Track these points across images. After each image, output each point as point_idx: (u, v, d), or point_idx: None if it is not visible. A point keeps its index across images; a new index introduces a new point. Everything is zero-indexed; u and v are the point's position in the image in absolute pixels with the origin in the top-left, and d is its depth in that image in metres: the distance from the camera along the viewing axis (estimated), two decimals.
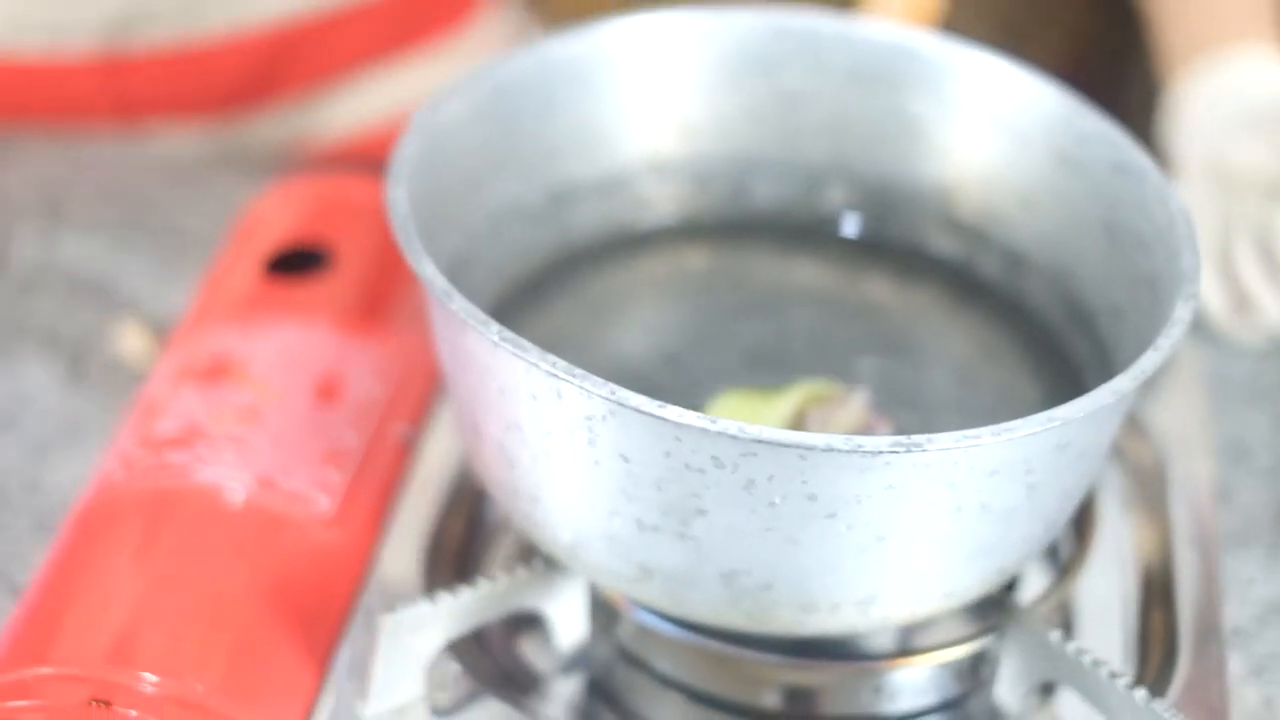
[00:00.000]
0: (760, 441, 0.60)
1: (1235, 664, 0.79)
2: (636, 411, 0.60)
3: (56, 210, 1.05)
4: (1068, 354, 0.75)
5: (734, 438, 0.59)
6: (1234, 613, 0.81)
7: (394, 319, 0.83)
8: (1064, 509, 0.68)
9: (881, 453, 0.60)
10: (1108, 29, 1.12)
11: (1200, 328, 0.95)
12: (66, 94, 1.13)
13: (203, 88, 1.14)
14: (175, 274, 1.00)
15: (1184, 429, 0.85)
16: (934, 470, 0.61)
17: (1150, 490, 0.82)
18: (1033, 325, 0.77)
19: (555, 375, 0.61)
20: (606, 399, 0.60)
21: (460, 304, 0.63)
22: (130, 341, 0.95)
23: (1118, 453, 0.83)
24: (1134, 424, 0.84)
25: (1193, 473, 0.83)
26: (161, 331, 0.95)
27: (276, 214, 0.88)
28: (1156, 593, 0.77)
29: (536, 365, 0.61)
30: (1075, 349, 0.75)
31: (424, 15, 1.18)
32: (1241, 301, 0.94)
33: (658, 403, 0.60)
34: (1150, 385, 0.85)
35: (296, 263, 0.85)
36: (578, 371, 0.60)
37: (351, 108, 1.16)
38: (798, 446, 0.60)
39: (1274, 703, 0.77)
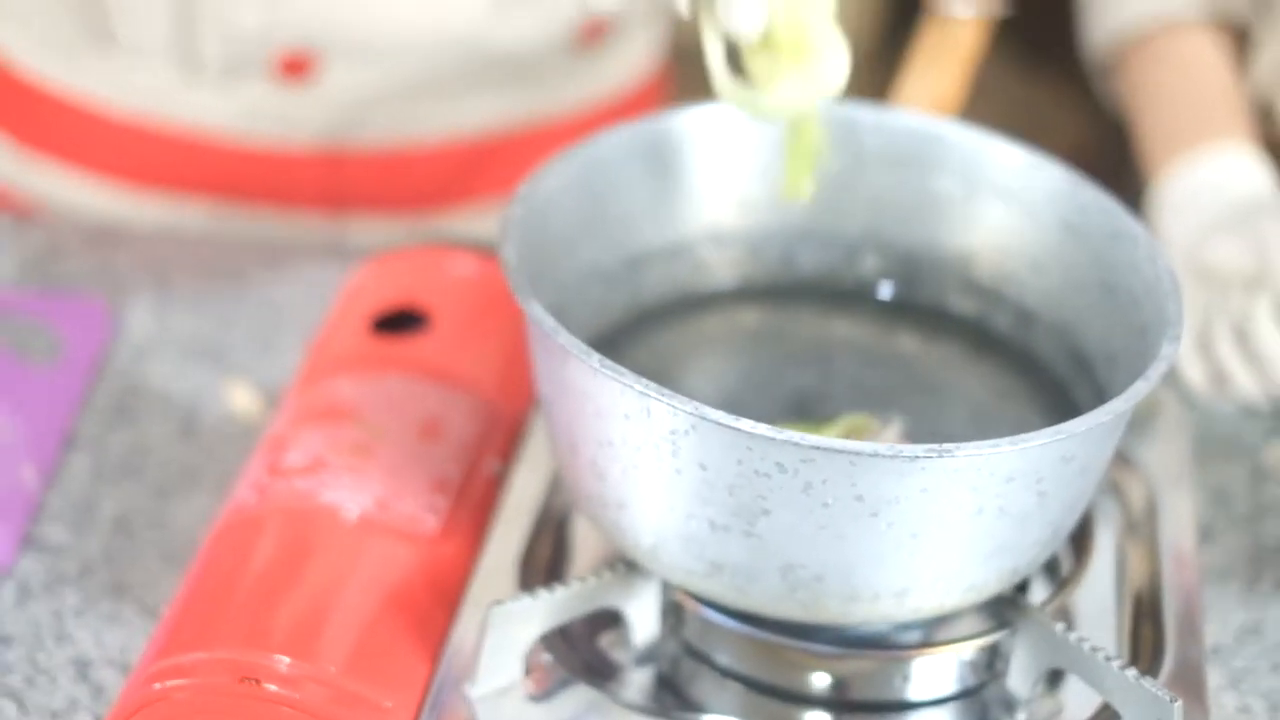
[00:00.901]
0: (817, 449, 0.72)
1: (1215, 676, 0.91)
2: (716, 424, 0.72)
3: (166, 285, 1.17)
4: (1072, 396, 0.87)
5: (796, 445, 0.72)
6: (1214, 632, 0.93)
7: (484, 371, 0.95)
8: (1068, 518, 0.80)
9: (918, 457, 0.72)
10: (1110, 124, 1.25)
11: (1186, 395, 1.07)
12: (285, 183, 1.27)
13: (406, 187, 1.28)
14: (273, 342, 1.12)
15: (1171, 472, 0.97)
16: (960, 475, 0.73)
17: (1142, 523, 0.94)
18: (1041, 372, 0.89)
19: (648, 395, 0.73)
20: (691, 414, 0.72)
21: (565, 337, 0.75)
22: (238, 400, 1.07)
23: (1114, 488, 0.95)
24: (1129, 464, 0.96)
25: (1178, 511, 0.95)
26: (264, 391, 1.08)
27: (378, 281, 1.00)
28: (1146, 610, 0.89)
29: (631, 387, 0.73)
30: (1078, 391, 0.87)
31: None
32: (1220, 377, 1.07)
33: (733, 416, 0.72)
34: (1144, 432, 0.98)
35: (398, 323, 0.98)
36: (666, 391, 0.73)
37: None
38: (848, 452, 0.72)
39: (1250, 710, 0.89)
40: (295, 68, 1.23)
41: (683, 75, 1.34)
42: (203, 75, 1.23)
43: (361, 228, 1.30)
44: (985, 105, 1.05)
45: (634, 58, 1.34)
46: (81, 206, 1.30)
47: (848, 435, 0.83)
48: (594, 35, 1.27)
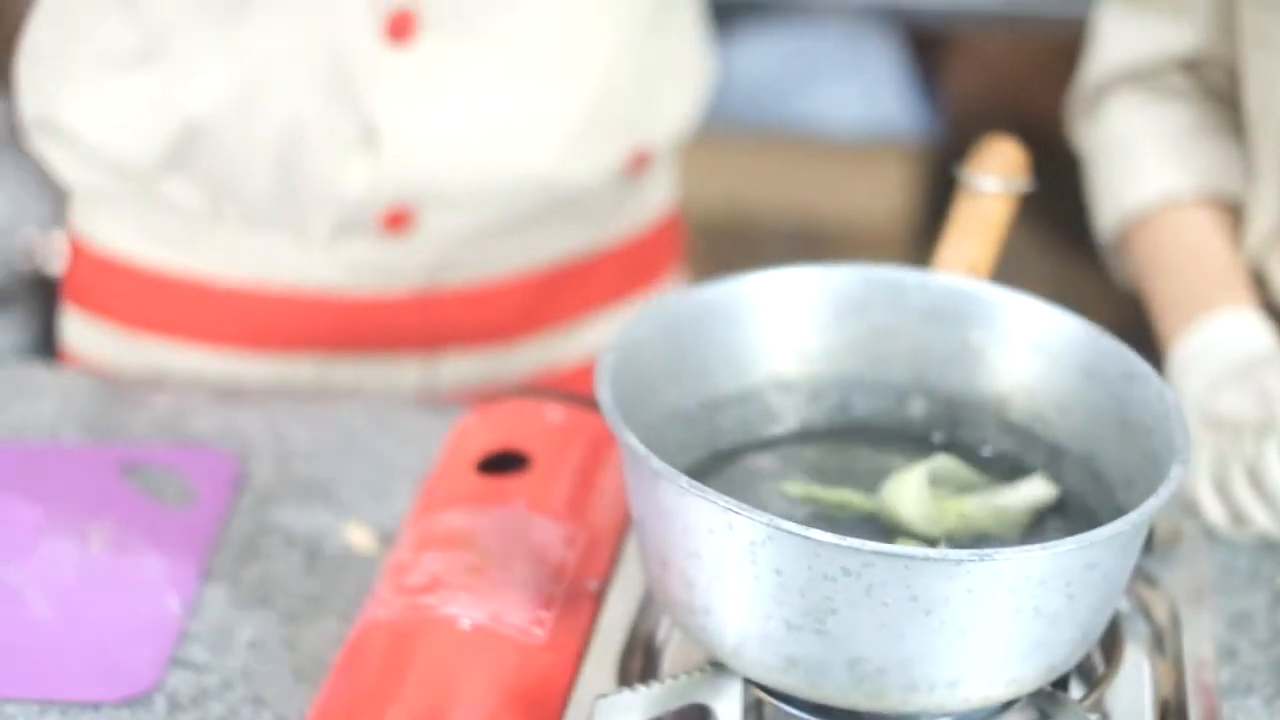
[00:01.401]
0: (877, 554, 0.85)
1: None
2: (788, 534, 0.85)
3: (285, 438, 1.31)
4: (1095, 517, 1.00)
5: (858, 550, 0.84)
6: None
7: (580, 503, 1.08)
8: (1096, 620, 0.93)
9: (964, 561, 0.85)
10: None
11: (1209, 529, 1.20)
12: (384, 329, 1.40)
13: (490, 320, 1.42)
14: (382, 487, 1.26)
15: (1193, 593, 1.09)
16: (1000, 577, 0.86)
17: (1167, 637, 1.06)
18: (1069, 496, 1.02)
19: (729, 510, 0.86)
20: (766, 525, 0.85)
21: (656, 463, 0.88)
22: (354, 537, 1.20)
23: (1142, 606, 1.07)
24: (1155, 585, 1.08)
25: (1200, 627, 1.07)
26: (377, 529, 1.21)
27: (481, 429, 1.14)
28: (1173, 714, 1.01)
29: (715, 503, 0.86)
30: (1101, 513, 1.00)
31: (639, 267, 1.48)
32: (1238, 516, 1.19)
33: (802, 526, 0.85)
34: (1169, 558, 1.10)
35: (501, 464, 1.11)
36: (746, 506, 0.86)
37: (590, 340, 1.46)
38: (904, 556, 0.85)
39: None
40: (396, 222, 1.36)
41: None
42: (311, 241, 1.37)
43: (452, 364, 1.44)
44: (1017, 270, 1.19)
45: (665, 186, 1.52)
46: (190, 375, 1.43)
47: (934, 478, 0.97)
48: (638, 167, 1.43)
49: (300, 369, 1.43)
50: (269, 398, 1.36)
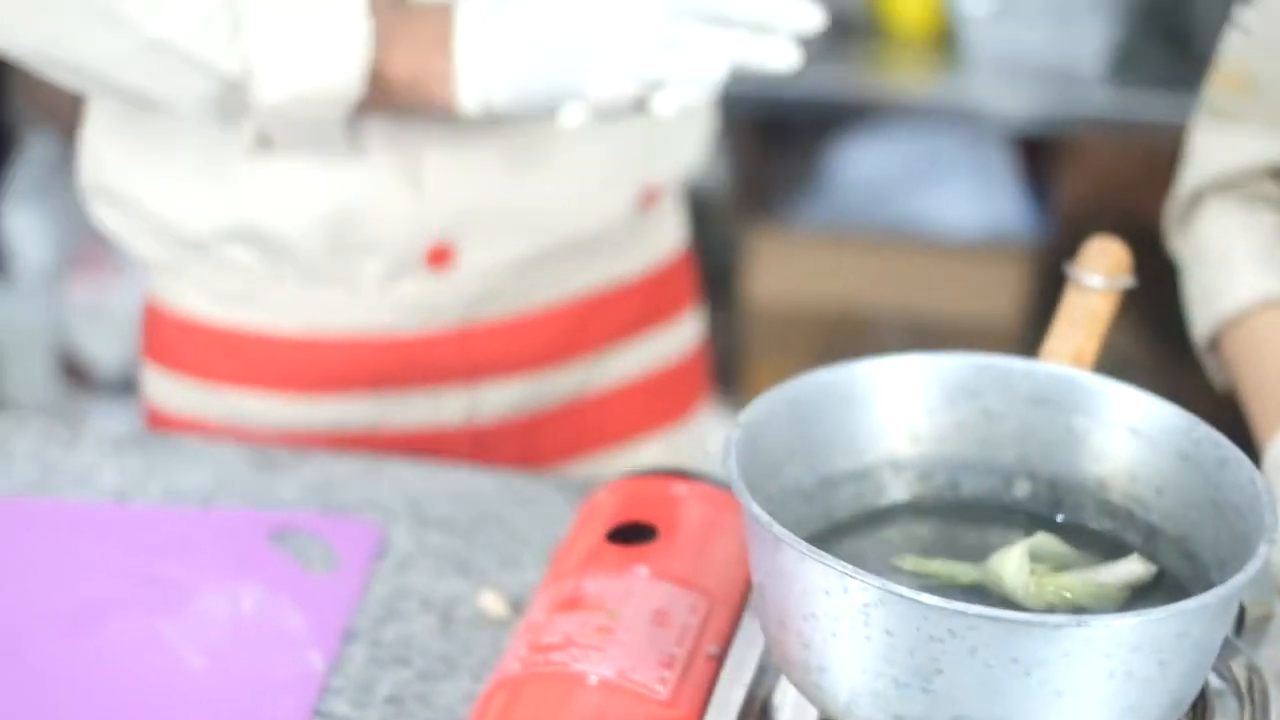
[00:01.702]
0: (981, 617, 0.91)
1: None
2: (899, 597, 0.92)
3: (420, 512, 1.39)
4: (1188, 595, 1.05)
5: (963, 614, 0.91)
6: None
7: (703, 572, 1.15)
8: (1186, 689, 0.99)
9: (1062, 626, 0.91)
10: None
11: None
12: (430, 364, 1.52)
13: (526, 350, 1.54)
14: (513, 557, 1.33)
15: None
16: (1094, 643, 0.92)
17: (1259, 712, 1.11)
18: (1164, 575, 1.08)
19: (845, 574, 0.93)
20: (879, 589, 0.92)
21: (778, 529, 0.95)
22: (487, 604, 1.28)
23: (1234, 683, 1.12)
24: (1246, 663, 1.14)
25: None
26: (508, 596, 1.29)
27: (613, 502, 1.22)
28: None
29: (833, 568, 0.93)
30: (1194, 591, 1.05)
31: (658, 300, 1.62)
32: None
33: (913, 590, 0.92)
34: (1260, 636, 1.15)
35: (630, 536, 1.19)
36: (860, 570, 0.93)
37: (615, 368, 1.59)
38: (1007, 620, 0.91)
39: None
40: (439, 258, 1.48)
41: None
42: (362, 288, 1.48)
43: (492, 394, 1.55)
44: (1122, 361, 1.26)
45: (676, 224, 1.64)
46: (262, 419, 1.54)
47: (1035, 554, 1.04)
48: (650, 202, 1.55)
49: (358, 407, 1.53)
50: (408, 470, 1.44)
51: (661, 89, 1.32)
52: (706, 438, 1.68)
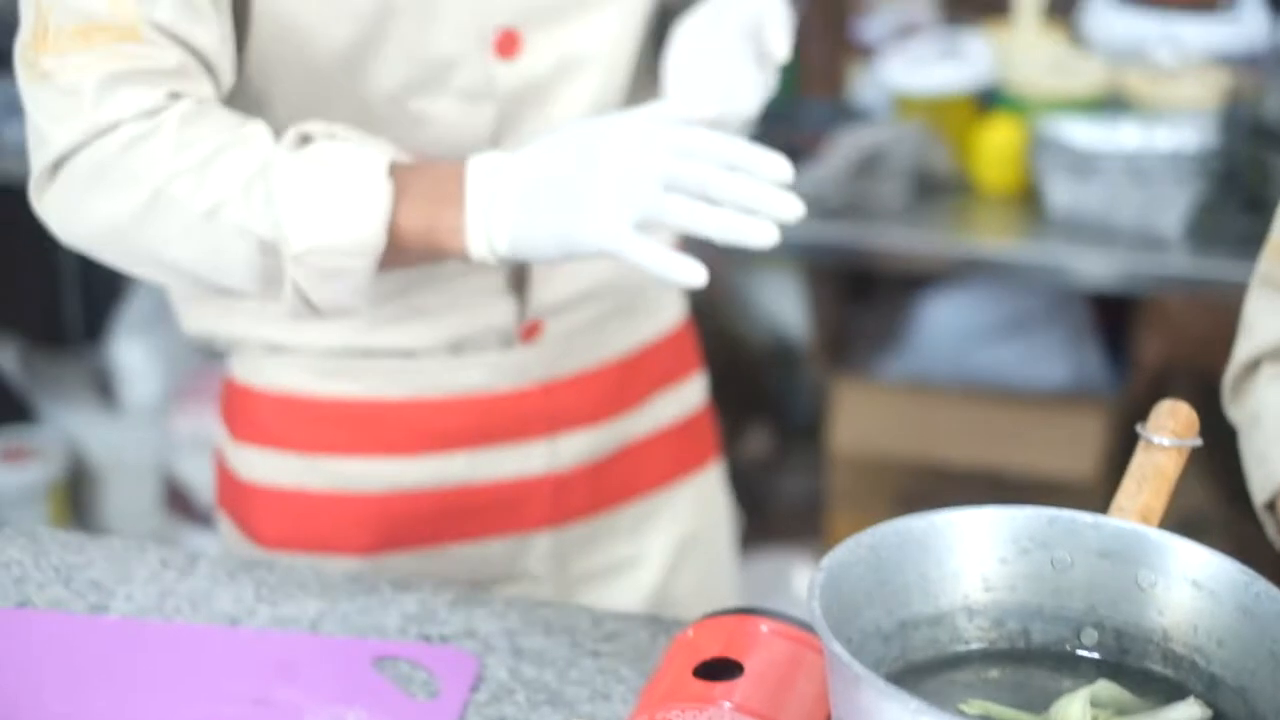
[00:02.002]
0: None
1: None
2: None
3: (516, 644, 1.46)
4: None
5: None
6: None
7: (785, 707, 1.22)
8: None
9: None
10: None
11: None
12: (517, 420, 1.68)
13: (594, 402, 1.71)
14: (607, 692, 1.40)
15: None
16: None
17: None
18: None
19: (919, 712, 0.99)
20: None
21: (859, 668, 1.02)
22: None
23: None
24: None
25: None
26: None
27: (701, 639, 1.28)
28: None
29: (907, 705, 1.00)
30: None
31: (677, 357, 1.83)
32: None
33: None
34: None
35: (716, 670, 1.25)
36: (934, 708, 0.99)
37: (654, 414, 1.78)
38: None
39: None
40: (531, 332, 1.65)
41: None
42: (462, 359, 1.63)
43: (568, 444, 1.70)
44: (1196, 517, 1.32)
45: (680, 293, 1.81)
46: (363, 483, 1.66)
47: (1096, 701, 1.10)
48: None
49: (453, 464, 1.67)
50: (505, 603, 1.51)
51: (657, 228, 1.44)
52: (793, 580, 1.79)
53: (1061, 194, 2.67)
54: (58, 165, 1.47)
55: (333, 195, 1.45)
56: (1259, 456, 1.42)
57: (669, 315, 1.79)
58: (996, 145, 2.76)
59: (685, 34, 1.60)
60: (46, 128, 1.46)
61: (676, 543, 1.81)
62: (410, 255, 1.49)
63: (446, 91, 1.56)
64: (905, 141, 2.73)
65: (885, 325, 3.06)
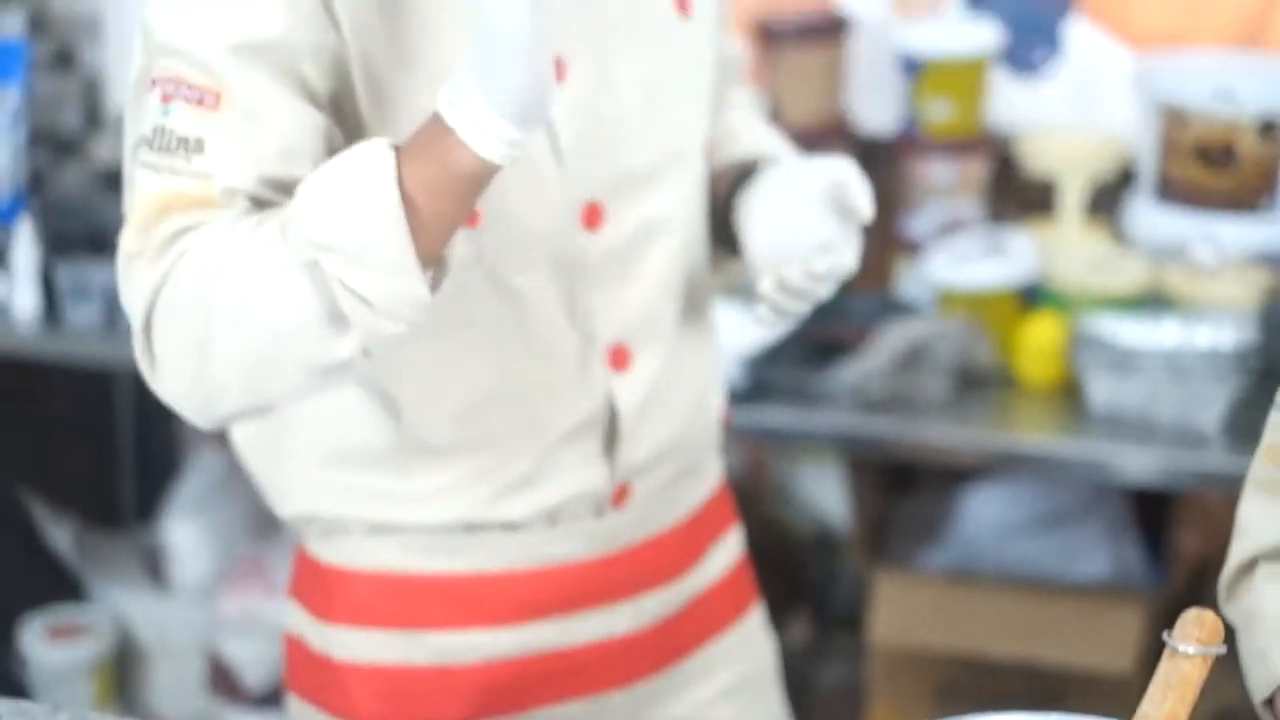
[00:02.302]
0: None
1: None
2: None
3: None
4: None
5: None
6: None
7: None
8: None
9: None
10: None
11: None
12: (606, 583, 1.74)
13: (671, 560, 1.79)
14: None
15: None
16: None
17: None
18: None
19: None
20: None
21: None
22: None
23: None
24: None
25: None
26: None
27: None
28: None
29: None
30: None
31: (722, 515, 1.92)
32: None
33: None
34: None
35: None
36: None
37: (712, 568, 1.87)
38: None
39: None
40: (621, 497, 1.72)
41: None
42: (558, 529, 1.70)
43: (649, 602, 1.77)
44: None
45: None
46: (461, 655, 1.71)
47: None
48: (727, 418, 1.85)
49: (543, 632, 1.72)
50: None
51: None
52: None
53: (1102, 390, 2.71)
54: (146, 339, 1.51)
55: (339, 184, 1.46)
56: (1257, 654, 1.45)
57: (715, 472, 1.88)
58: (1039, 341, 2.80)
59: (764, 199, 1.72)
60: (130, 306, 1.52)
61: (734, 684, 1.87)
62: (440, 206, 1.46)
63: (535, 263, 1.63)
64: (949, 336, 2.77)
65: (926, 517, 3.08)
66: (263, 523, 3.18)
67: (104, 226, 3.06)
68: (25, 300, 3.02)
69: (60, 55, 3.50)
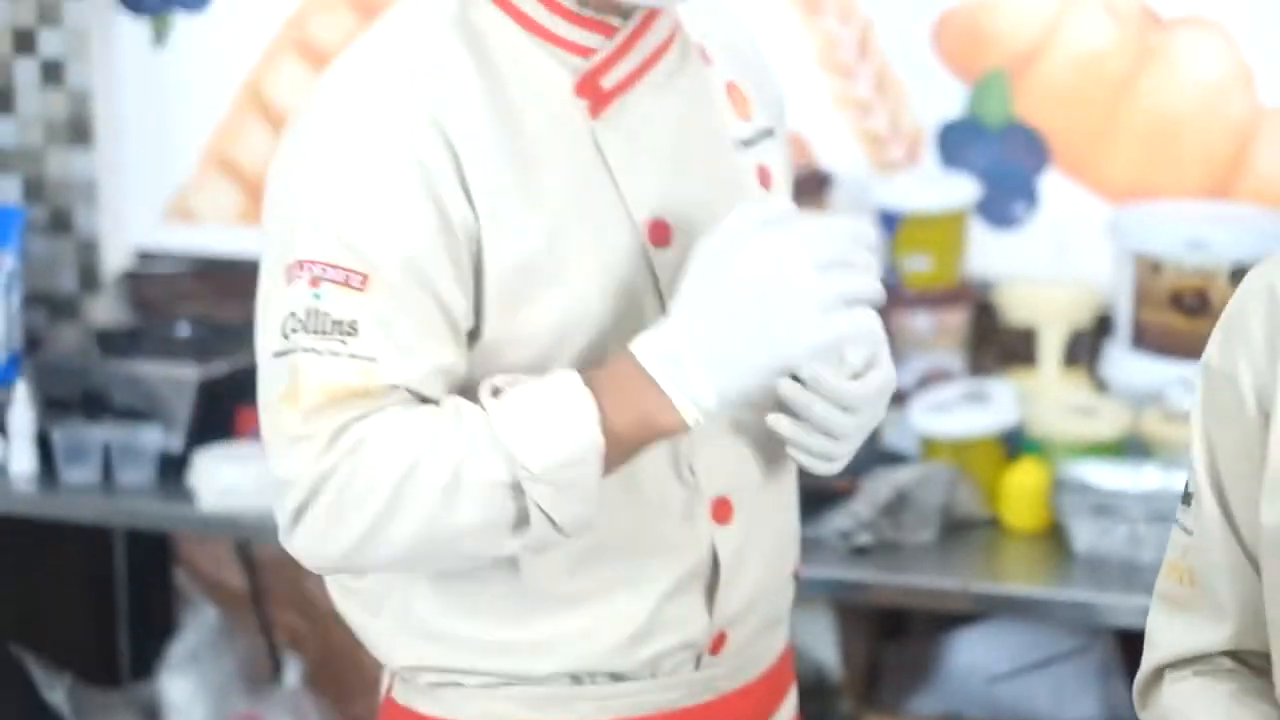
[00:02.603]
0: None
1: None
2: None
3: None
4: None
5: None
6: None
7: None
8: None
9: None
10: None
11: None
12: None
13: (757, 707, 1.85)
14: None
15: None
16: None
17: None
18: None
19: None
20: None
21: None
22: None
23: None
24: None
25: None
26: None
27: None
28: None
29: None
30: None
31: (789, 665, 1.94)
32: None
33: None
34: None
35: None
36: None
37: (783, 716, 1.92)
38: None
39: None
40: (719, 643, 1.78)
41: None
42: (661, 678, 1.75)
43: None
44: None
45: None
46: None
47: None
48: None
49: None
50: None
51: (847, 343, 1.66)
52: None
53: (1086, 534, 2.75)
54: (301, 510, 1.60)
55: (548, 418, 1.60)
56: None
57: (786, 625, 1.92)
58: (1022, 487, 2.85)
59: None
60: (288, 479, 1.61)
61: None
62: (628, 447, 1.64)
63: (611, 284, 1.70)
64: (934, 483, 2.82)
65: (916, 662, 3.11)
66: (258, 679, 3.20)
67: (99, 387, 3.11)
68: (22, 462, 3.06)
69: (56, 218, 3.57)
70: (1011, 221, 3.21)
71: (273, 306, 1.64)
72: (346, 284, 1.60)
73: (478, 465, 1.59)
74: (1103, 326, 3.10)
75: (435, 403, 1.63)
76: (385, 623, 1.76)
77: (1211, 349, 1.54)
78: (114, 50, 3.57)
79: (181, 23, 3.54)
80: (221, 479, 2.91)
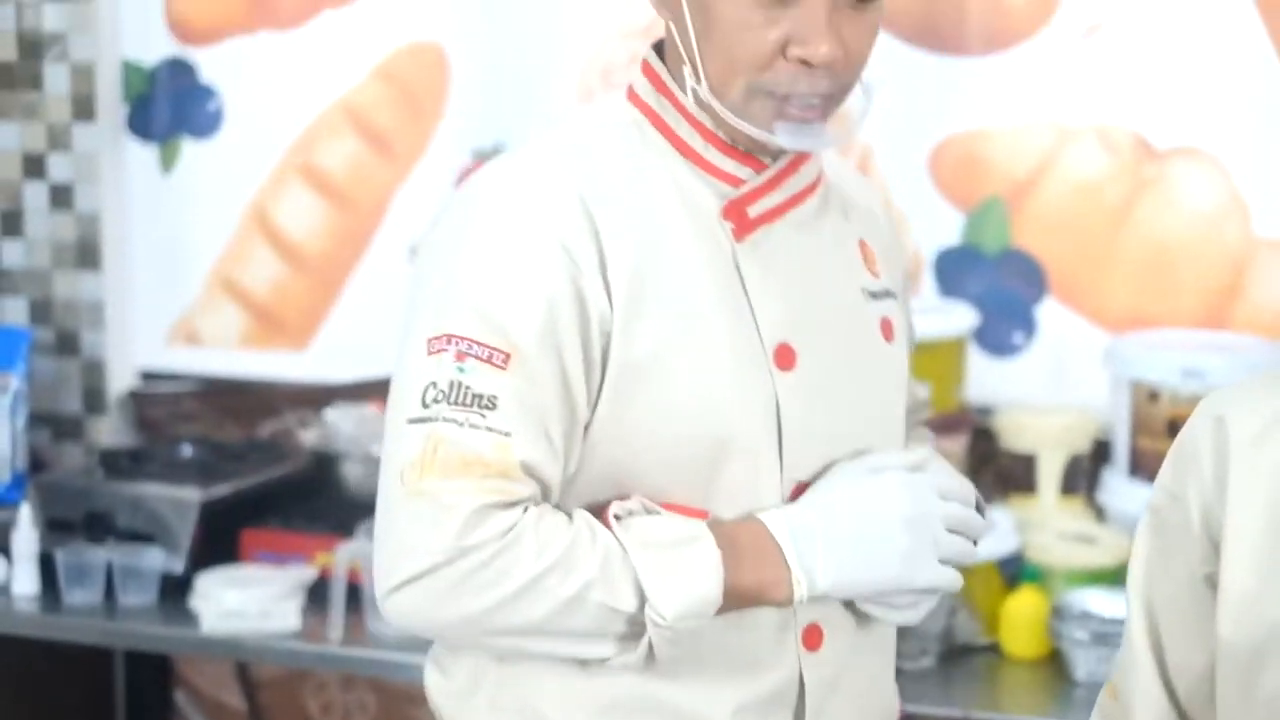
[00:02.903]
0: None
1: None
2: None
3: None
4: None
5: None
6: None
7: None
8: None
9: None
10: None
11: None
12: None
13: None
14: None
15: None
16: None
17: None
18: None
19: None
20: None
21: None
22: None
23: None
24: None
25: None
26: None
27: None
28: None
29: None
30: None
31: None
32: None
33: None
34: None
35: None
36: None
37: None
38: None
39: None
40: (813, 641, 1.81)
41: None
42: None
43: None
44: None
45: None
46: None
47: None
48: None
49: None
50: None
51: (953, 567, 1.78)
52: None
53: (1086, 662, 2.76)
54: (423, 574, 1.66)
55: (681, 569, 1.68)
56: None
57: None
58: (1022, 614, 2.86)
59: None
60: (416, 542, 1.67)
61: None
62: (734, 606, 1.72)
63: (733, 399, 1.75)
64: (934, 610, 2.82)
65: None
66: None
67: (102, 508, 3.12)
68: (25, 583, 3.07)
69: (62, 339, 3.60)
70: (1009, 349, 3.24)
71: (412, 375, 1.71)
72: (490, 361, 1.68)
73: (607, 591, 1.67)
74: (1100, 452, 3.13)
75: (553, 489, 1.72)
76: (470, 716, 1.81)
77: (1164, 472, 1.62)
78: (122, 175, 3.61)
79: (189, 149, 3.59)
80: (223, 602, 2.92)
